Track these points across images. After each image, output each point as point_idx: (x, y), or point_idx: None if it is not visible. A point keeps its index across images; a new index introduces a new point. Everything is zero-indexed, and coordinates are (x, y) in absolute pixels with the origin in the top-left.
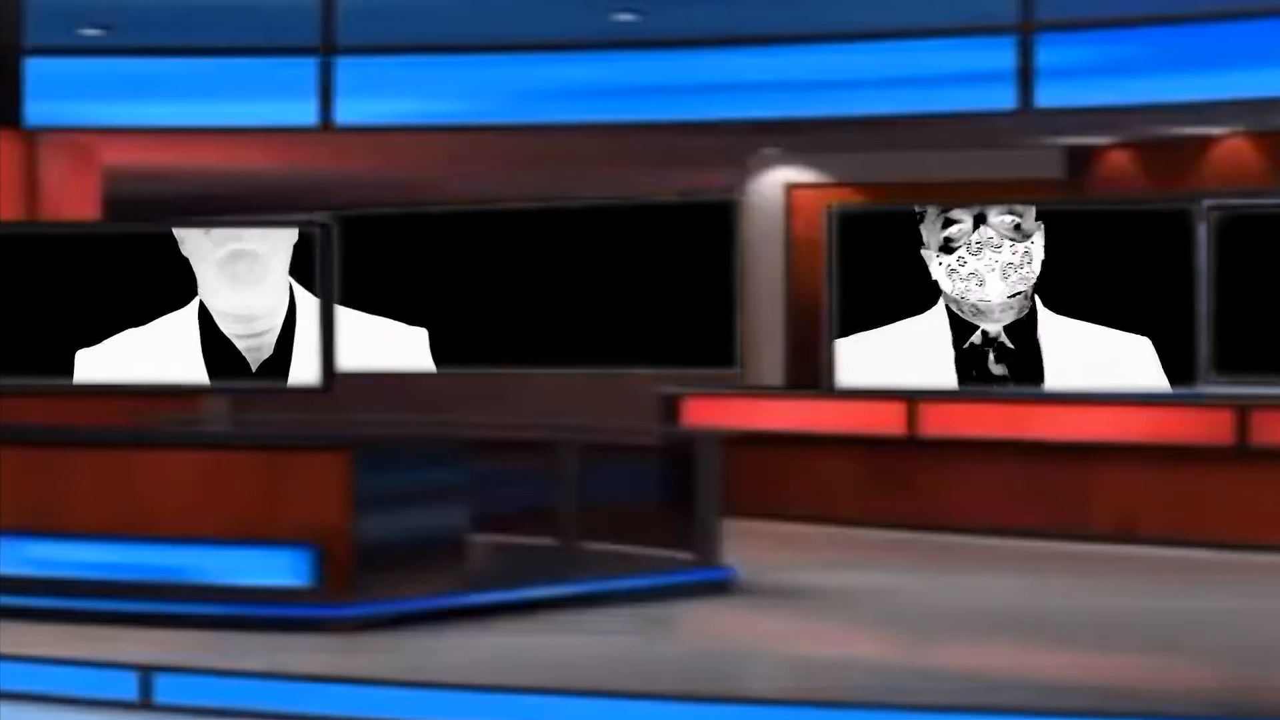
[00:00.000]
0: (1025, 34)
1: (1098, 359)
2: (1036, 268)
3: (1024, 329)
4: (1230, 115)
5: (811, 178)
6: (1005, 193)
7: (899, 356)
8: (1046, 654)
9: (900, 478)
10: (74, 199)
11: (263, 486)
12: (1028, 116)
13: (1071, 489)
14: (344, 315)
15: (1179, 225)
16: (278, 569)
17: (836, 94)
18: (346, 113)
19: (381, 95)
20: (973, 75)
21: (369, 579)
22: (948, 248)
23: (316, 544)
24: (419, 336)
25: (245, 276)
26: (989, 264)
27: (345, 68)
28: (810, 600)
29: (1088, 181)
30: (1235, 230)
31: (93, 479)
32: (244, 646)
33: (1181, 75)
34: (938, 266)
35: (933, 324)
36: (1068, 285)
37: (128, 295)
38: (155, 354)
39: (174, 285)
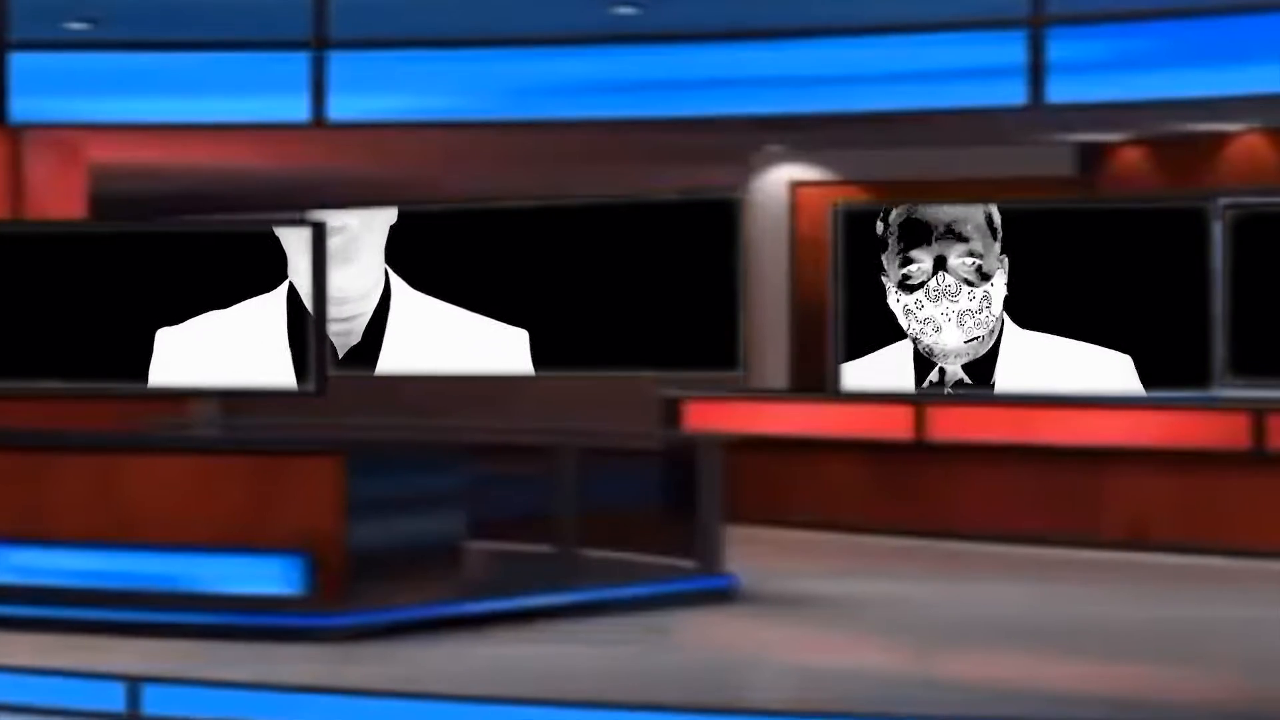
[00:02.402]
0: (1035, 28)
1: (1062, 379)
2: (997, 309)
3: (982, 360)
4: (1246, 111)
5: (816, 175)
6: (1015, 191)
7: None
8: (1056, 664)
9: (907, 483)
10: (60, 197)
11: (253, 492)
12: (1038, 112)
13: (1082, 494)
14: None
15: (1194, 224)
16: (269, 577)
17: (842, 89)
18: (339, 108)
19: (375, 90)
20: (982, 70)
21: (362, 587)
22: (906, 285)
23: (308, 551)
24: (517, 337)
25: (336, 251)
26: (946, 312)
27: (338, 62)
28: (815, 609)
29: (1100, 179)
30: (1251, 229)
31: (79, 484)
32: (234, 656)
33: (1196, 70)
34: (895, 302)
35: (898, 358)
36: (1077, 286)
37: (206, 283)
38: (236, 336)
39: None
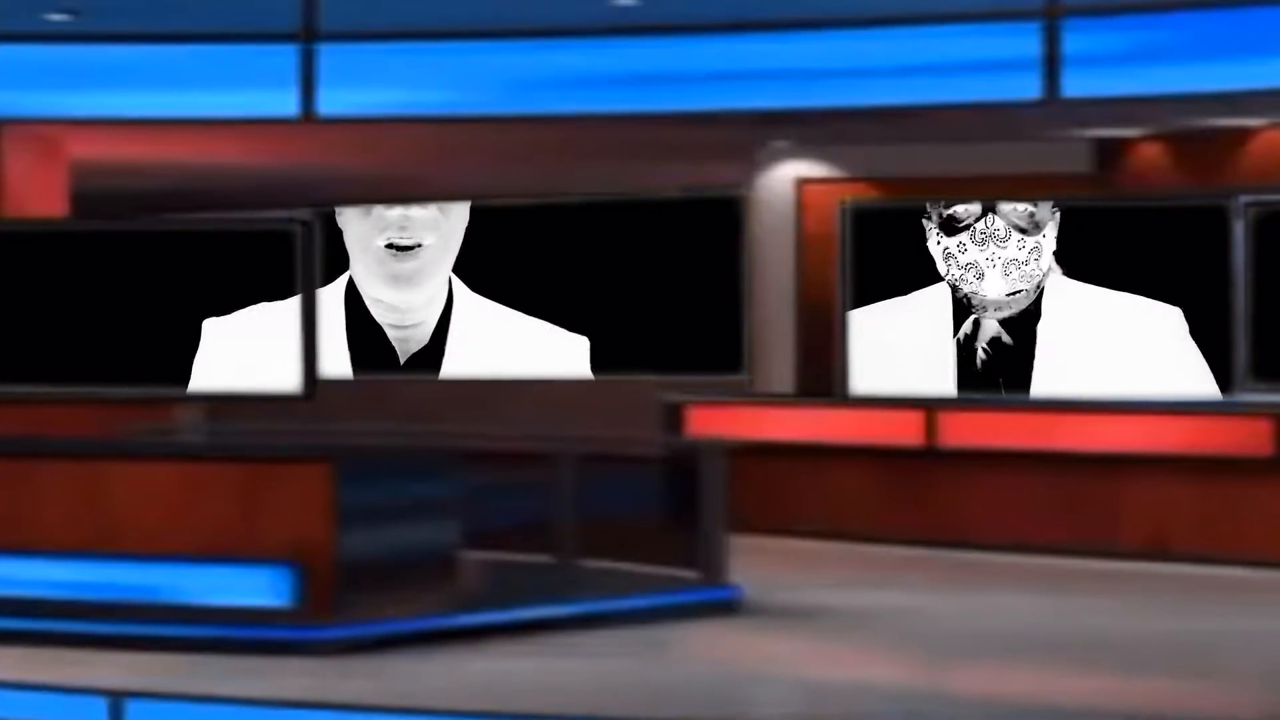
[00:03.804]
0: (1051, 19)
1: (1118, 357)
2: (1045, 262)
3: (1024, 323)
4: (1268, 106)
5: (823, 172)
6: (1030, 188)
7: (906, 341)
8: (1071, 678)
9: (917, 491)
10: (40, 194)
11: (241, 500)
12: (1053, 107)
13: (1099, 503)
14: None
15: (1214, 222)
16: (256, 588)
17: (850, 83)
18: (330, 103)
19: (367, 84)
20: (995, 63)
21: (353, 599)
22: (950, 227)
23: (297, 562)
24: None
25: (405, 276)
26: (991, 258)
27: (328, 55)
28: (821, 621)
29: (1117, 176)
30: (1273, 227)
31: (61, 492)
32: (221, 670)
33: (1216, 63)
34: (936, 245)
35: (935, 306)
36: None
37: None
38: (283, 331)
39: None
